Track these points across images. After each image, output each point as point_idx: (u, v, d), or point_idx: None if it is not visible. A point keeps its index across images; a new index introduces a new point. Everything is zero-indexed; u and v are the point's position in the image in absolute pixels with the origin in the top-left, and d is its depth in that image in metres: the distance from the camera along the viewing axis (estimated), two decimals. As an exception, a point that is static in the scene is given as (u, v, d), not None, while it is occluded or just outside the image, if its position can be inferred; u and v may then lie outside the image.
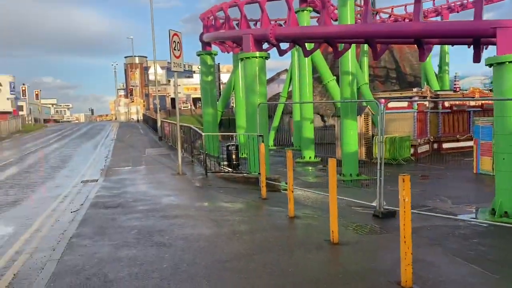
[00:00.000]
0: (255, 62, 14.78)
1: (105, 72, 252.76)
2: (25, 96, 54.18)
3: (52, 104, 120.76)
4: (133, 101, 74.29)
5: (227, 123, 47.79)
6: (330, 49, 36.10)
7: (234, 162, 20.07)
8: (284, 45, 14.90)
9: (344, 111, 17.06)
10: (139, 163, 17.17)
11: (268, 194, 10.71)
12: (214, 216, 8.63)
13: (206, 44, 21.83)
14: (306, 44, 14.57)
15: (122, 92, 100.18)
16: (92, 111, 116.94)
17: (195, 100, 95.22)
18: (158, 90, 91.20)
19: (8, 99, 69.12)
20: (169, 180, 13.04)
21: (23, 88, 52.74)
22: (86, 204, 9.82)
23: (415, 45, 11.56)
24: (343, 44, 13.42)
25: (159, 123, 26.59)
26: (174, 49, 13.09)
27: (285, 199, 11.22)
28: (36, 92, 59.73)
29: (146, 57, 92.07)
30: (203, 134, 14.04)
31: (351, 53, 16.40)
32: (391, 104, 24.61)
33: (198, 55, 22.25)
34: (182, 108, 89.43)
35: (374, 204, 9.88)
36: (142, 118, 63.69)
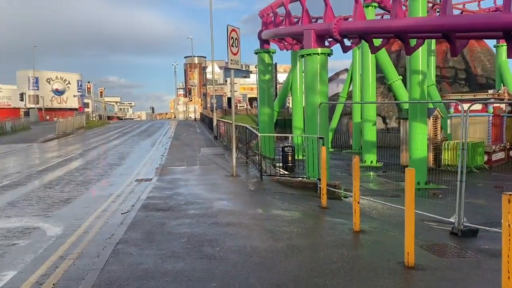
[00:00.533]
0: (317, 59, 13.87)
1: (166, 72, 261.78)
2: (90, 93, 56.63)
3: (116, 102, 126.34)
4: (191, 100, 75.61)
5: (283, 124, 46.96)
6: (393, 47, 34.13)
7: (290, 165, 19.23)
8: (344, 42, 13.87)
9: (413, 113, 15.66)
10: (193, 162, 16.80)
11: (328, 202, 9.78)
12: (270, 225, 7.85)
13: (264, 42, 21.16)
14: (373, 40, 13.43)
15: (181, 91, 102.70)
16: (152, 109, 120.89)
17: (251, 100, 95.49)
18: (215, 90, 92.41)
19: (75, 96, 72.92)
20: (223, 182, 12.45)
21: (88, 86, 55.20)
22: (137, 206, 9.42)
23: (494, 42, 10.15)
24: (415, 39, 12.13)
25: (215, 122, 26.33)
26: (232, 46, 12.49)
27: (347, 209, 10.23)
28: (101, 90, 62.40)
29: (205, 57, 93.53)
30: (259, 134, 13.33)
31: (421, 50, 14.99)
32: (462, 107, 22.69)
33: (256, 53, 21.64)
34: (238, 107, 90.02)
35: (452, 220, 8.64)
36: (199, 117, 64.50)
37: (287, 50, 23.65)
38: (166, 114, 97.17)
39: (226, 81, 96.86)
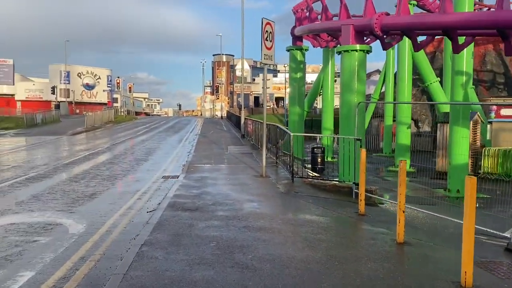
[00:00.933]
0: (355, 56, 13.15)
1: (193, 69, 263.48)
2: (119, 88, 57.20)
3: (144, 98, 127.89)
4: (218, 98, 75.52)
5: (309, 124, 46.15)
6: (427, 49, 32.69)
7: (319, 166, 18.54)
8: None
9: (454, 116, 14.71)
10: (221, 161, 16.32)
11: (365, 209, 9.08)
12: (305, 232, 7.23)
13: (297, 39, 20.50)
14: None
15: (208, 89, 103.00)
16: (179, 106, 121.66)
17: (278, 100, 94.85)
18: (243, 88, 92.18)
19: (104, 91, 73.96)
20: (252, 182, 11.89)
21: (118, 81, 55.75)
22: (164, 204, 8.96)
23: None
24: (464, 36, 11.25)
25: (242, 121, 25.85)
26: (266, 40, 11.91)
27: (386, 217, 9.51)
28: (129, 86, 63.01)
29: (233, 55, 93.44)
30: (291, 134, 12.70)
31: (466, 50, 14.02)
32: (504, 112, 21.50)
33: (288, 50, 21.00)
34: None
35: (507, 234, 7.84)
36: (225, 115, 64.30)
37: (321, 47, 22.92)
38: (193, 111, 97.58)
39: (253, 80, 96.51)
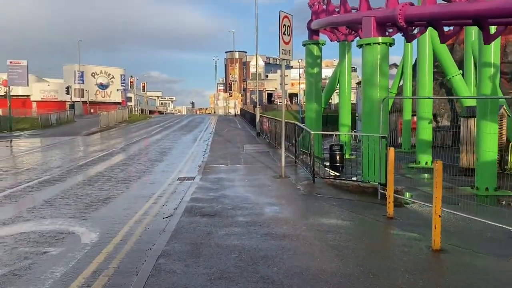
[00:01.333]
0: (377, 50, 12.54)
1: (206, 67, 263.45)
2: (133, 87, 57.15)
3: (158, 97, 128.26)
4: (231, 96, 75.10)
5: (325, 120, 45.37)
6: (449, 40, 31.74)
7: (338, 164, 17.95)
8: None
9: (482, 111, 13.99)
10: (237, 160, 15.86)
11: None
12: (333, 240, 6.71)
13: (313, 33, 19.87)
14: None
15: (221, 87, 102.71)
16: (193, 104, 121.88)
17: (291, 96, 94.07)
18: (255, 86, 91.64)
19: (118, 90, 74.16)
20: (271, 183, 11.39)
21: (131, 80, 55.69)
22: (181, 209, 8.53)
23: None
24: (495, 26, 10.55)
25: (257, 118, 25.34)
26: (284, 34, 11.37)
27: (417, 220, 8.92)
28: (143, 84, 62.95)
29: (245, 52, 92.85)
30: (312, 132, 12.15)
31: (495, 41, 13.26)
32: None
33: (304, 44, 20.38)
34: (278, 103, 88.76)
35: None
36: (239, 112, 63.87)
37: (339, 41, 22.23)
38: (206, 109, 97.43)
39: (267, 76, 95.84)
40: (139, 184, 11.77)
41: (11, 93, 57.03)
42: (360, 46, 13.08)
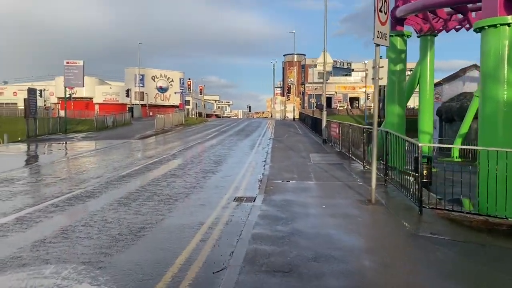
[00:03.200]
0: (504, 33, 9.21)
1: (262, 72, 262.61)
2: (191, 90, 55.99)
3: (215, 100, 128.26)
4: (289, 99, 72.21)
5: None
6: None
7: (425, 180, 14.55)
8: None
9: None
10: (306, 174, 12.98)
11: None
12: None
13: (397, 22, 16.59)
14: None
15: (278, 90, 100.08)
16: (249, 108, 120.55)
17: (352, 100, 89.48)
18: (315, 88, 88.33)
19: (176, 93, 73.83)
20: (360, 213, 8.41)
21: (189, 83, 54.57)
22: (239, 256, 5.83)
23: None
24: None
25: (324, 124, 22.28)
26: (380, 11, 8.37)
27: None
28: (200, 87, 61.82)
29: (304, 54, 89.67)
30: (419, 144, 9.02)
31: None
32: None
33: (385, 37, 17.09)
34: (338, 107, 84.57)
35: None
36: (298, 116, 60.87)
37: (433, 30, 18.64)
38: (263, 113, 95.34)
39: (327, 79, 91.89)
40: (185, 206, 9.22)
41: (76, 95, 58.03)
42: (479, 30, 9.77)
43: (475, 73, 43.33)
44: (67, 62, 34.28)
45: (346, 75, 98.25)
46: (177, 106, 75.96)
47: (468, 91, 40.75)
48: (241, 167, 15.23)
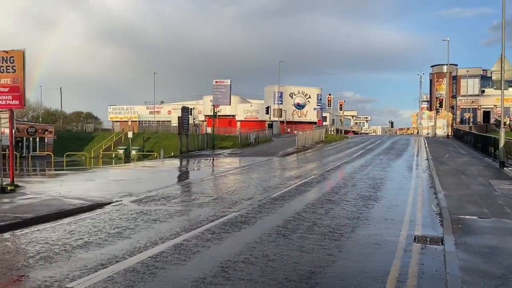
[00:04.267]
0: None
1: (401, 86, 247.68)
2: (330, 106, 54.61)
3: (352, 116, 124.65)
4: (439, 114, 65.61)
5: None
6: None
7: None
8: None
9: None
10: (498, 209, 10.28)
11: None
12: None
13: None
14: None
15: (424, 104, 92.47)
16: (391, 123, 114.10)
17: (515, 114, 77.72)
18: (472, 102, 79.04)
19: (315, 109, 73.19)
20: None
21: (329, 98, 53.23)
22: None
23: None
24: None
25: (502, 143, 18.56)
26: None
27: None
28: (341, 103, 59.99)
29: (456, 65, 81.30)
30: None
31: None
32: None
33: None
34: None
35: None
36: (451, 133, 54.64)
37: None
38: (408, 129, 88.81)
39: (483, 91, 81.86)
40: (355, 245, 7.62)
41: (220, 113, 61.41)
42: None
43: None
44: (216, 82, 35.89)
45: (510, 86, 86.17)
46: (314, 123, 75.31)
47: None
48: (405, 194, 13.07)
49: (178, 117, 32.08)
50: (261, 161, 23.95)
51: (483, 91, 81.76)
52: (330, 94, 52.63)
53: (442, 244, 7.55)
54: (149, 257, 6.81)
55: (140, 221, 9.44)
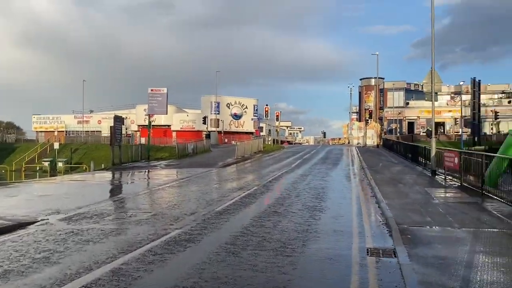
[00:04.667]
0: None
1: (331, 97, 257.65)
2: (267, 116, 55.01)
3: (287, 127, 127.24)
4: (368, 125, 68.71)
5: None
6: None
7: None
8: None
9: None
10: (440, 217, 10.50)
11: None
12: None
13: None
14: None
15: (354, 115, 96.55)
16: (324, 134, 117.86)
17: (437, 125, 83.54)
18: (399, 113, 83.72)
19: (252, 119, 73.54)
20: None
21: (266, 109, 53.63)
22: None
23: None
24: None
25: (433, 152, 19.45)
26: None
27: None
28: (277, 114, 60.75)
29: (383, 78, 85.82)
30: None
31: None
32: None
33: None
34: (421, 133, 79.15)
35: None
36: (381, 142, 57.25)
37: None
38: (339, 139, 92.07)
39: (407, 104, 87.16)
40: (309, 261, 7.27)
41: (154, 123, 59.51)
42: None
43: None
44: (152, 90, 34.59)
45: (426, 99, 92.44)
46: (251, 133, 75.59)
47: None
48: (349, 204, 13.08)
49: (110, 127, 30.37)
50: (201, 173, 23.19)
51: (408, 103, 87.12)
52: (267, 105, 53.24)
53: (395, 256, 7.42)
54: (83, 286, 5.95)
55: (70, 242, 8.42)
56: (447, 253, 7.37)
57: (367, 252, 7.67)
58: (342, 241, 8.56)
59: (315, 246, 8.17)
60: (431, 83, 19.30)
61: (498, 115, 71.95)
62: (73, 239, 8.70)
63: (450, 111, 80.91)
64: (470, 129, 67.86)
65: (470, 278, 6.14)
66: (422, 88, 71.09)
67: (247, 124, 78.97)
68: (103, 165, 36.19)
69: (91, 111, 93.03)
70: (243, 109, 79.80)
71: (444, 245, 7.92)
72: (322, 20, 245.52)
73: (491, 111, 76.00)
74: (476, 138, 56.60)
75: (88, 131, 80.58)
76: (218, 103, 75.42)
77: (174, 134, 77.24)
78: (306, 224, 10.02)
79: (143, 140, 66.68)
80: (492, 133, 72.13)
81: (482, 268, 6.60)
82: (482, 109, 68.11)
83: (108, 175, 24.25)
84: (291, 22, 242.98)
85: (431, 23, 19.82)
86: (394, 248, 7.85)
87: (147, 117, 37.14)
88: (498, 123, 76.80)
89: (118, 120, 31.25)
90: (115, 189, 18.51)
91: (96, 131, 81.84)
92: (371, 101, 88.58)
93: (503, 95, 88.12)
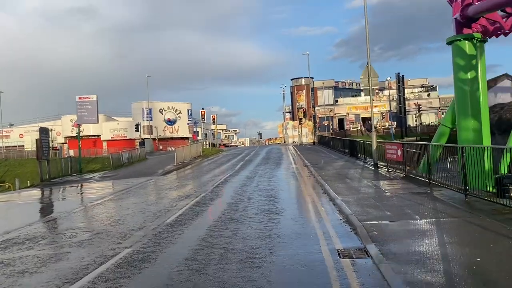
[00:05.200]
0: None
1: (262, 98, 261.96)
2: (204, 120, 53.99)
3: (222, 130, 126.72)
4: (301, 123, 70.08)
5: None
6: None
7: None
8: None
9: None
10: (398, 210, 10.44)
11: None
12: None
13: (464, 25, 14.44)
14: None
15: (287, 115, 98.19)
16: (260, 135, 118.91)
17: (364, 120, 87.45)
18: (330, 110, 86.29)
19: (188, 124, 71.97)
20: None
21: (202, 113, 52.59)
22: None
23: None
24: None
25: (374, 145, 19.87)
26: None
27: None
28: (213, 117, 59.82)
29: (312, 78, 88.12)
30: None
31: None
32: None
33: (451, 42, 14.97)
34: (351, 129, 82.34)
35: None
36: (317, 140, 58.51)
37: (488, 34, 16.56)
38: (276, 139, 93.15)
39: (336, 101, 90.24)
40: (282, 270, 6.72)
41: (82, 134, 56.11)
42: None
43: (507, 83, 41.06)
44: (80, 98, 32.30)
45: (355, 95, 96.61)
46: (187, 138, 73.98)
47: (501, 102, 38.60)
48: (304, 203, 12.78)
49: (36, 140, 27.87)
50: (141, 182, 21.85)
51: (337, 101, 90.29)
52: (203, 109, 52.31)
53: (368, 256, 7.10)
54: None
55: (1, 276, 7.17)
56: (420, 248, 7.18)
57: (339, 255, 7.28)
58: (309, 244, 8.11)
59: (283, 252, 7.65)
60: (368, 77, 19.69)
61: (420, 108, 76.68)
62: (4, 271, 7.45)
63: (376, 106, 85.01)
64: (396, 122, 71.76)
65: (453, 272, 5.93)
66: (360, 85, 73.88)
67: (182, 129, 77.32)
68: (29, 182, 33.24)
69: (11, 125, 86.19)
70: (177, 114, 78.00)
71: (413, 239, 7.75)
72: (249, 23, 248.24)
73: (414, 104, 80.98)
74: (403, 130, 59.69)
75: (9, 146, 74.37)
76: (150, 109, 73.05)
77: (104, 144, 73.62)
78: (267, 229, 9.49)
79: (72, 152, 62.72)
80: (416, 125, 76.70)
81: (460, 260, 6.44)
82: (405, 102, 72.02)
83: (37, 192, 22.11)
84: (219, 25, 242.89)
85: (365, 23, 20.23)
86: (364, 247, 7.54)
87: (74, 128, 34.70)
88: (420, 115, 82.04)
89: (44, 132, 28.79)
90: (48, 208, 16.78)
91: (19, 146, 75.89)
92: (302, 100, 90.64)
93: (422, 89, 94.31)
